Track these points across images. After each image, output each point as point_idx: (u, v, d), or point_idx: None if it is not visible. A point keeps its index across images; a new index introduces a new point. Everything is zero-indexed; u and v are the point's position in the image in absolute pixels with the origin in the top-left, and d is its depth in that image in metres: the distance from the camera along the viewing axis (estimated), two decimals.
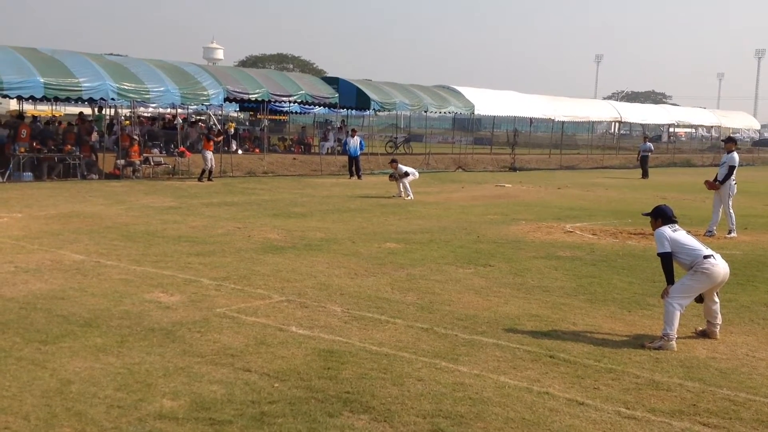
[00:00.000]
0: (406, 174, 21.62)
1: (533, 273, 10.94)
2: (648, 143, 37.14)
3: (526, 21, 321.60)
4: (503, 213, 18.49)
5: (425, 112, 37.50)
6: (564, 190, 26.80)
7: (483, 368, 6.53)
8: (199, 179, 24.54)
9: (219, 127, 33.42)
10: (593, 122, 56.11)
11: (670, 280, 7.50)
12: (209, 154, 24.67)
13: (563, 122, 46.96)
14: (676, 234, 7.60)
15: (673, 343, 7.30)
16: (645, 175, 35.09)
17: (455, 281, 10.17)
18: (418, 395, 5.81)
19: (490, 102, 40.86)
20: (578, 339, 7.56)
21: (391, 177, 21.98)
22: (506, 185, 27.93)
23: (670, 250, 7.48)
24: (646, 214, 8.09)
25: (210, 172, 24.79)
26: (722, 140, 17.88)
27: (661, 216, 7.79)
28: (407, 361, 6.62)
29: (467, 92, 40.16)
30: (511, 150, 41.20)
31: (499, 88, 47.55)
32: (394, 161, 22.57)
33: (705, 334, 7.81)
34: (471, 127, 54.07)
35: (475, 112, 40.30)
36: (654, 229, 7.84)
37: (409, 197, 21.09)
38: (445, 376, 6.29)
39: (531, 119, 47.61)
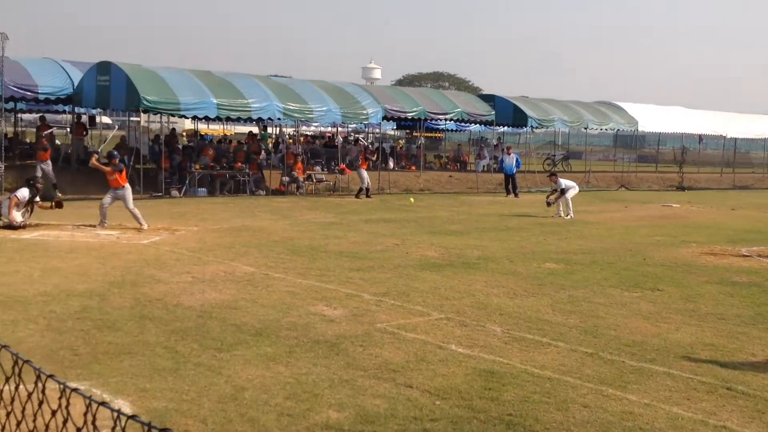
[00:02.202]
0: (564, 191, 20.89)
1: (706, 299, 10.32)
2: None
3: (694, 34, 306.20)
4: (671, 234, 17.61)
5: (585, 128, 36.52)
6: (738, 211, 25.16)
7: (653, 398, 6.23)
8: (357, 196, 25.19)
9: (371, 147, 34.07)
10: None
11: None
12: (365, 172, 25.26)
13: (736, 139, 44.14)
14: None
15: None
16: None
17: (621, 305, 9.79)
18: (583, 422, 5.62)
19: (654, 118, 39.17)
20: (758, 370, 7.05)
21: (549, 203, 21.23)
22: (674, 205, 26.61)
23: None
24: None
25: (367, 189, 25.33)
26: None
27: None
28: (571, 386, 6.43)
29: (630, 108, 38.73)
30: (678, 168, 39.25)
31: (664, 103, 45.33)
32: (553, 175, 22.07)
33: None
34: (634, 144, 51.99)
35: (639, 129, 38.77)
36: None
37: (569, 216, 20.46)
38: (613, 404, 6.05)
39: (700, 136, 45.12)
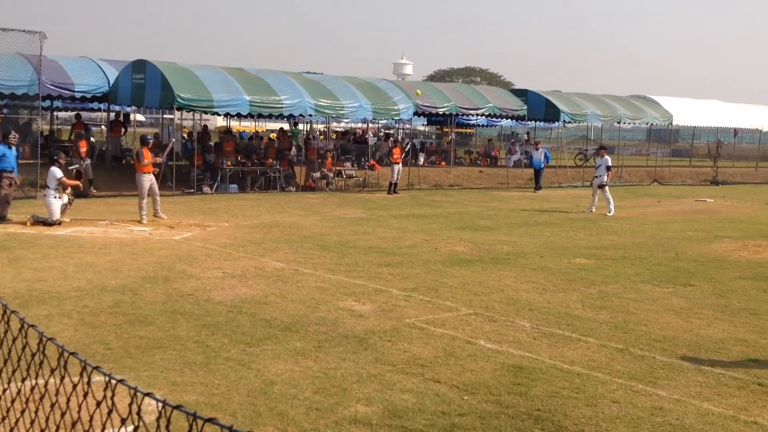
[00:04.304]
0: (609, 168, 20.79)
1: (739, 294, 10.19)
2: None
3: (734, 27, 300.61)
4: (704, 229, 17.39)
5: (618, 123, 36.13)
6: None
7: (684, 393, 6.18)
8: (389, 192, 25.22)
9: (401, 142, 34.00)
10: None
11: None
12: (397, 167, 25.26)
13: None
14: None
15: None
16: None
17: (652, 300, 9.70)
18: (613, 418, 5.60)
19: (689, 112, 38.61)
20: None
21: (603, 185, 20.77)
22: (707, 200, 26.25)
23: None
24: None
25: (395, 185, 25.28)
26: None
27: None
28: (601, 382, 6.41)
29: (665, 102, 38.22)
30: (713, 162, 38.69)
31: (702, 97, 44.77)
32: (603, 148, 22.03)
33: None
34: (668, 139, 51.29)
35: (673, 123, 38.27)
36: None
37: (610, 213, 20.06)
38: (643, 399, 6.01)
39: (735, 130, 44.39)
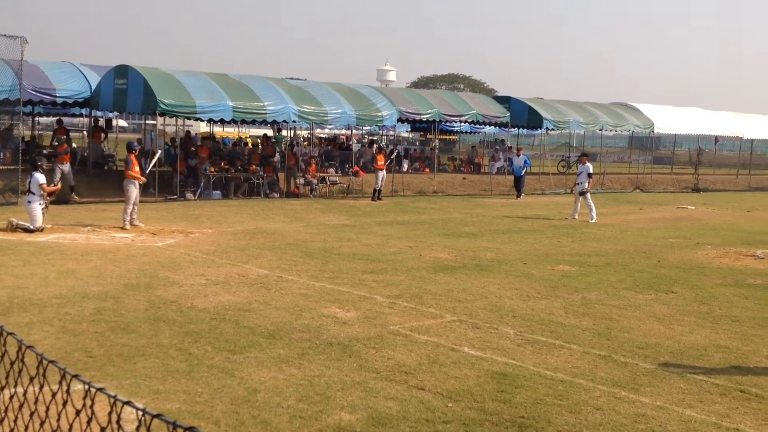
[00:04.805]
0: (590, 175, 20.86)
1: (720, 301, 10.27)
2: None
3: (710, 33, 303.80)
4: (686, 236, 17.52)
5: (600, 130, 36.38)
6: (754, 212, 24.98)
7: (666, 400, 6.21)
8: (372, 198, 25.22)
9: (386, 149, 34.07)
10: None
11: None
12: (381, 173, 25.28)
13: (753, 140, 43.81)
14: None
15: None
16: None
17: (634, 307, 9.76)
18: (596, 425, 5.61)
19: (671, 119, 38.95)
20: None
21: (584, 192, 20.91)
22: (689, 207, 26.46)
23: None
24: None
25: (379, 191, 25.29)
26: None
27: None
28: (584, 389, 6.42)
29: (646, 109, 38.53)
30: (694, 170, 39.03)
31: (683, 104, 45.15)
32: (585, 155, 22.11)
33: None
34: (650, 146, 51.66)
35: (655, 130, 38.58)
36: None
37: (593, 220, 20.15)
38: (626, 406, 6.04)
39: (716, 137, 44.82)
